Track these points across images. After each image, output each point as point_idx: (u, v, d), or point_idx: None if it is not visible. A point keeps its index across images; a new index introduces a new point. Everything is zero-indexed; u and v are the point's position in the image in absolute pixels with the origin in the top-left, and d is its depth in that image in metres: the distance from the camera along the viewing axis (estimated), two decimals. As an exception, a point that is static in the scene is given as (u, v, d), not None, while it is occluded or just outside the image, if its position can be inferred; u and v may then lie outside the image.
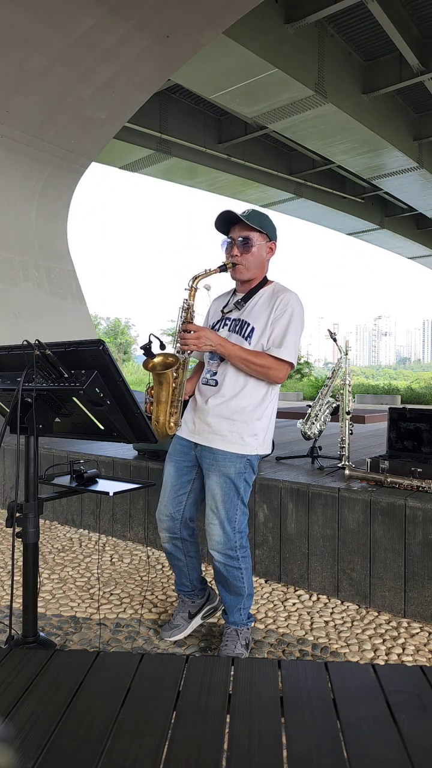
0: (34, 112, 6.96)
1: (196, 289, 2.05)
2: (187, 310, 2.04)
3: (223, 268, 2.08)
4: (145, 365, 2.02)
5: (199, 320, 2.14)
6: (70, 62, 6.52)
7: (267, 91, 9.95)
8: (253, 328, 2.10)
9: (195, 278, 2.05)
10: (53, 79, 6.68)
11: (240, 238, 2.09)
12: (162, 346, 2.04)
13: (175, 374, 2.03)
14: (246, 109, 10.89)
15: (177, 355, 2.03)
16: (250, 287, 2.17)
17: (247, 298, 2.15)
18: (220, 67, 9.13)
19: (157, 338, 2.00)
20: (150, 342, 1.98)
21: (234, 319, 2.15)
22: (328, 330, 3.91)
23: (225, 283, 2.29)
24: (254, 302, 2.14)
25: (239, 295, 2.20)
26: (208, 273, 2.05)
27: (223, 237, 2.16)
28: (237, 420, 2.08)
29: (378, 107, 11.81)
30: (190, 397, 2.25)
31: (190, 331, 1.98)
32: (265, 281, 2.18)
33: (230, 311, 2.18)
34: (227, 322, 2.17)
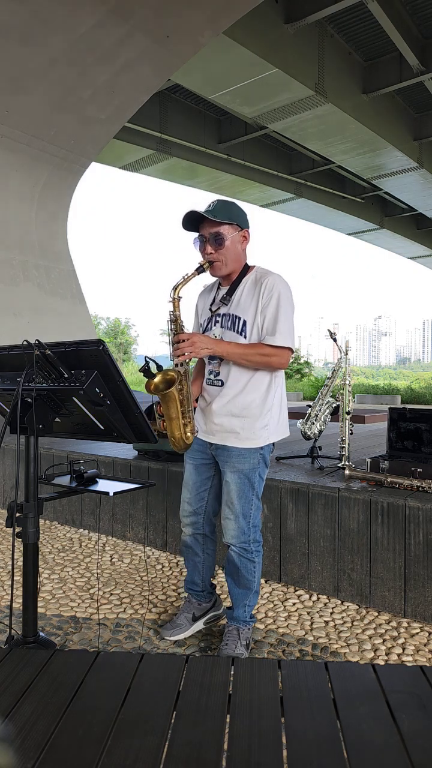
0: (34, 112, 6.95)
1: (179, 299, 2.00)
2: (175, 322, 2.00)
3: (200, 270, 2.04)
4: (148, 388, 2.00)
5: (189, 318, 2.12)
6: (70, 62, 6.52)
7: (267, 91, 9.95)
8: (245, 322, 2.07)
9: (175, 288, 2.00)
10: (53, 79, 6.67)
11: (210, 235, 2.04)
12: (159, 367, 2.02)
13: (179, 386, 2.01)
14: (246, 109, 10.89)
15: (177, 369, 2.01)
16: (232, 279, 2.14)
17: (231, 291, 2.12)
18: (220, 67, 9.13)
19: (153, 360, 1.99)
20: (147, 364, 1.97)
21: (224, 315, 2.14)
22: (328, 330, 3.91)
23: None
24: (239, 293, 2.11)
25: (224, 289, 2.17)
26: (186, 279, 2.00)
27: (194, 235, 2.11)
28: (246, 416, 2.09)
29: (378, 107, 11.81)
30: (197, 398, 2.26)
31: (183, 340, 1.96)
32: (246, 269, 2.14)
33: (218, 308, 2.16)
34: (218, 318, 2.16)
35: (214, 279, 2.28)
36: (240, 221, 2.09)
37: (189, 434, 2.07)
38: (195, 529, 2.31)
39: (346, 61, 10.72)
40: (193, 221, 2.09)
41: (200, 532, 2.31)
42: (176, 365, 2.01)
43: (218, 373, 2.14)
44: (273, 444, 2.19)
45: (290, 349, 2.05)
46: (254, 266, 2.17)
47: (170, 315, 2.01)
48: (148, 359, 1.99)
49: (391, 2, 8.99)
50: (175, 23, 6.35)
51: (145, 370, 1.97)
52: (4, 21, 5.86)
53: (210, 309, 2.19)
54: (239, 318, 2.09)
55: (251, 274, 2.14)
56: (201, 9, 6.24)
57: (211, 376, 2.16)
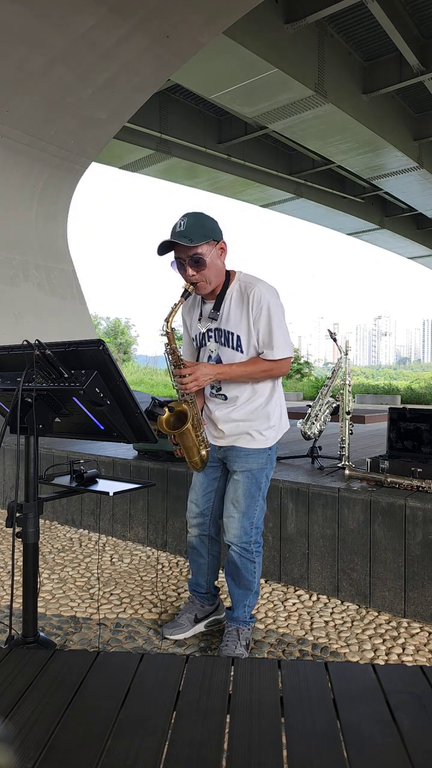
0: (34, 112, 6.95)
1: (172, 330, 1.96)
2: (173, 354, 1.97)
3: (186, 294, 1.98)
4: (161, 427, 2.01)
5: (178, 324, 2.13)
6: (70, 62, 6.52)
7: (267, 91, 9.95)
8: (238, 337, 2.06)
9: (167, 320, 1.95)
10: (53, 79, 6.67)
11: (189, 258, 1.96)
12: (164, 404, 2.06)
13: (191, 417, 2.02)
14: (246, 109, 10.89)
15: (184, 400, 2.01)
16: (216, 293, 2.08)
17: (218, 306, 2.08)
18: (220, 67, 9.13)
19: (158, 399, 2.04)
20: (153, 404, 1.99)
21: (216, 329, 2.11)
22: (328, 330, 3.91)
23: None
24: (227, 307, 2.07)
25: (209, 303, 2.12)
26: (175, 309, 1.96)
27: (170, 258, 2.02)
28: (253, 420, 2.14)
29: (378, 107, 11.81)
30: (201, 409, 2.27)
31: (185, 375, 1.95)
32: (228, 278, 2.09)
33: (208, 324, 2.12)
34: (210, 333, 2.12)
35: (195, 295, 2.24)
36: (215, 235, 1.99)
37: (204, 452, 2.12)
38: (201, 530, 2.33)
39: (346, 61, 10.72)
40: (166, 250, 1.99)
41: (206, 534, 2.33)
42: (181, 395, 2.01)
43: (220, 389, 2.16)
44: (277, 444, 2.23)
45: (290, 357, 2.09)
46: (235, 272, 2.11)
47: (167, 348, 1.97)
48: (154, 400, 2.00)
49: (391, 2, 8.98)
50: (175, 23, 6.34)
51: (150, 412, 1.99)
52: (4, 21, 5.86)
53: (199, 324, 2.16)
54: (232, 333, 2.07)
55: (234, 283, 2.08)
56: (200, 9, 6.24)
57: (214, 391, 2.18)
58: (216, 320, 2.09)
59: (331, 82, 10.28)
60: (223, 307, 2.07)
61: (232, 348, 2.08)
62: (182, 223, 1.95)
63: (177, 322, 2.11)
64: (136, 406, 1.58)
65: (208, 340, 2.14)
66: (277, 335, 2.02)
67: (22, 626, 1.72)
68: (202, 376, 1.97)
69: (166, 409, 2.02)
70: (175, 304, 1.96)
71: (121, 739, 0.91)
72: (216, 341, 2.12)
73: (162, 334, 1.96)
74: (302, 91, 9.97)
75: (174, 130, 12.69)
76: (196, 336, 2.20)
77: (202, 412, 2.24)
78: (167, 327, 1.95)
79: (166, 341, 1.96)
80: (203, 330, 2.15)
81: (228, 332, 2.08)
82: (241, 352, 2.07)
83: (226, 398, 2.15)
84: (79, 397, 1.56)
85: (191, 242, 1.92)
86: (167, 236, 1.99)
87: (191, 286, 1.98)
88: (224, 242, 2.05)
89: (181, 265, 1.99)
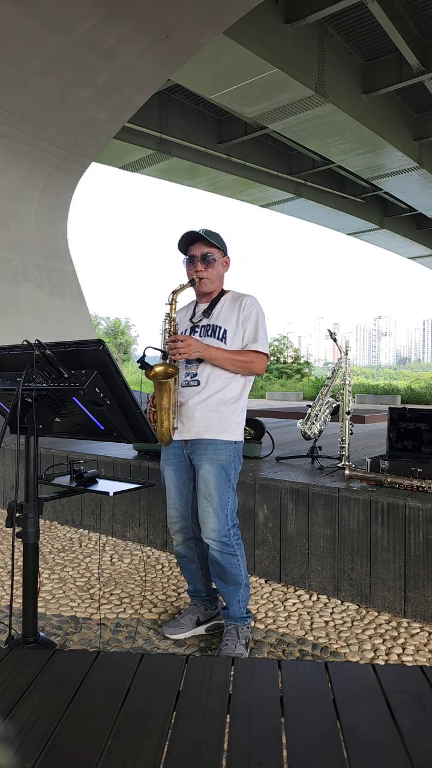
0: (34, 112, 6.95)
1: (176, 302, 2.25)
2: (171, 322, 2.23)
3: (192, 283, 2.30)
4: (147, 375, 2.15)
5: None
6: (70, 62, 6.51)
7: (267, 91, 9.94)
8: (225, 330, 2.27)
9: (174, 293, 2.25)
10: (53, 79, 6.67)
11: (202, 255, 2.28)
12: (164, 356, 2.19)
13: (174, 380, 2.16)
14: (246, 109, 10.88)
15: (175, 365, 2.16)
16: (212, 298, 2.35)
17: (212, 307, 2.34)
18: (220, 67, 9.12)
19: (159, 349, 2.19)
20: (144, 355, 2.14)
21: (204, 325, 2.32)
22: (328, 330, 3.91)
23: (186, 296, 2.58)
24: (219, 308, 2.33)
25: (203, 306, 2.37)
26: (182, 287, 2.26)
27: (183, 256, 2.34)
28: (223, 411, 2.22)
29: (378, 107, 11.79)
30: None
31: (179, 341, 2.14)
32: (223, 291, 2.38)
33: (200, 320, 2.34)
34: (197, 329, 2.32)
35: (189, 301, 2.48)
36: (224, 248, 2.36)
37: (173, 429, 2.21)
38: (185, 534, 2.35)
39: (346, 61, 10.70)
40: (186, 243, 2.33)
41: (191, 536, 2.34)
42: (172, 362, 2.18)
43: (195, 374, 2.25)
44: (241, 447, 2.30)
45: (267, 356, 2.28)
46: (229, 290, 2.40)
47: (166, 316, 2.23)
48: (149, 349, 2.17)
49: (391, 2, 8.97)
50: (175, 23, 6.34)
51: (143, 361, 2.11)
52: (4, 21, 5.85)
53: (191, 320, 2.36)
54: (220, 327, 2.28)
55: (228, 294, 2.38)
56: (201, 9, 6.24)
57: (188, 378, 2.27)
58: (208, 317, 2.32)
59: (331, 82, 10.27)
60: (216, 308, 2.34)
61: (217, 338, 2.25)
62: (201, 230, 2.30)
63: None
64: (136, 406, 1.58)
65: (193, 335, 2.31)
66: (261, 334, 2.27)
67: (22, 626, 1.72)
68: (193, 346, 2.15)
69: (160, 364, 2.20)
70: (183, 284, 2.26)
71: (121, 739, 0.91)
72: (201, 336, 2.29)
73: (166, 303, 2.24)
74: (302, 91, 9.96)
75: (174, 130, 12.68)
76: (183, 331, 2.37)
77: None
78: (174, 297, 2.23)
79: (168, 311, 2.23)
80: (192, 324, 2.34)
81: (216, 326, 2.28)
82: (225, 343, 2.24)
83: (199, 383, 2.23)
84: (79, 397, 1.57)
85: (210, 239, 2.28)
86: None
87: (198, 279, 2.28)
88: (229, 258, 2.40)
89: (191, 262, 2.30)
